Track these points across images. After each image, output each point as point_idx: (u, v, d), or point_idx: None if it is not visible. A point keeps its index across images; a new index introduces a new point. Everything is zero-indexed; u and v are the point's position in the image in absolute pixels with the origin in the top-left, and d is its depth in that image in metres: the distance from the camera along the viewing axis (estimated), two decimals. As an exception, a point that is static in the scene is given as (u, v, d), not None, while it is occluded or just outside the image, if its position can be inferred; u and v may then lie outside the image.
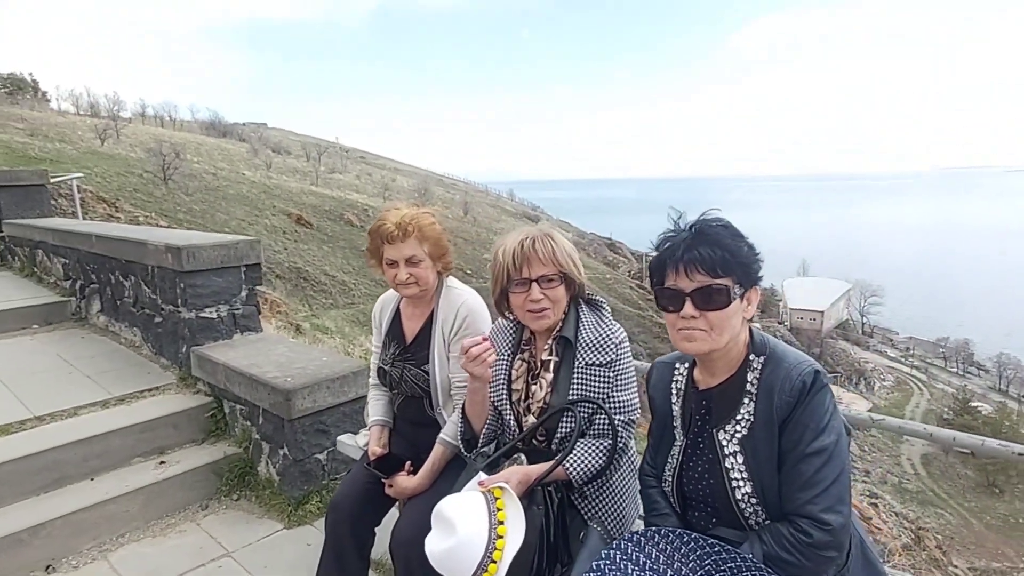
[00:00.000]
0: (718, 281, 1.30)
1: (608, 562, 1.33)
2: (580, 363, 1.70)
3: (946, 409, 34.17)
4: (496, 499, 1.51)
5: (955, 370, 47.86)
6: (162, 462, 3.09)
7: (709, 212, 1.39)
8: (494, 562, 1.42)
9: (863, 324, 58.28)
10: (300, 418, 2.87)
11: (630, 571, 1.30)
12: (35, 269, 5.81)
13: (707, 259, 1.30)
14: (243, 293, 3.70)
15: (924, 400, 38.87)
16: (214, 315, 3.58)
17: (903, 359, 49.18)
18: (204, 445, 3.28)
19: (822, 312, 52.59)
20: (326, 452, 2.98)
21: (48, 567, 2.56)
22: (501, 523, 1.47)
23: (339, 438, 2.67)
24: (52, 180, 7.72)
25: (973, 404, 33.65)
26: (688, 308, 1.31)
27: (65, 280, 5.25)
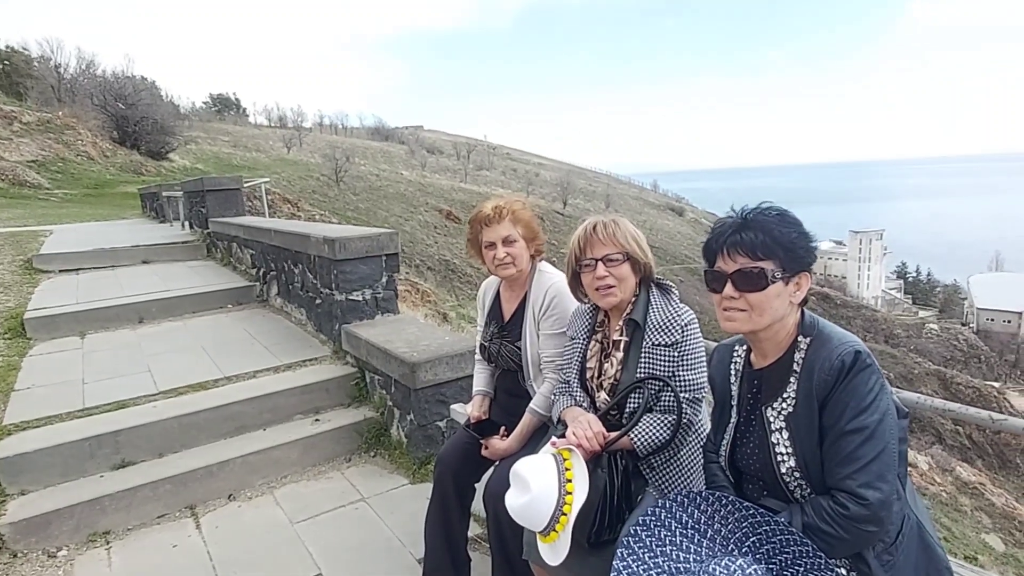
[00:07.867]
0: (757, 264, 1.36)
1: (653, 518, 1.46)
2: (648, 343, 1.82)
3: None
4: (565, 459, 1.70)
5: None
6: (317, 420, 3.67)
7: (764, 203, 1.46)
8: (564, 515, 1.61)
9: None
10: (423, 388, 3.25)
11: (673, 528, 1.43)
12: (231, 259, 7.01)
13: (747, 243, 1.37)
14: (383, 279, 4.22)
15: None
16: (360, 298, 4.13)
17: None
18: (350, 408, 3.83)
19: (1020, 313, 44.60)
20: (445, 420, 3.34)
21: (230, 495, 3.19)
22: (569, 480, 1.65)
23: (452, 407, 3.01)
24: (245, 184, 9.15)
25: None
26: (728, 289, 1.39)
27: (252, 268, 6.29)
